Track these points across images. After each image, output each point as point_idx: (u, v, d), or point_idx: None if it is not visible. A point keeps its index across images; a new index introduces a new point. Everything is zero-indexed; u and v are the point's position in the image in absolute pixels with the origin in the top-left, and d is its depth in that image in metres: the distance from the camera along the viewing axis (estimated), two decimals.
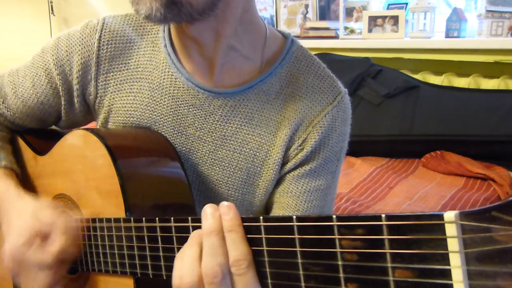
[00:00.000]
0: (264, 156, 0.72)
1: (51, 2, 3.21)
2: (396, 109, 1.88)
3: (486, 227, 0.30)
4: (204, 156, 0.72)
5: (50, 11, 3.23)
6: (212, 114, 0.71)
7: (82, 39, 0.73)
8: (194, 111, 0.71)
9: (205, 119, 0.71)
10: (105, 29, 0.73)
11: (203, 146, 0.72)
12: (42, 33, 3.25)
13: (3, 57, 2.89)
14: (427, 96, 1.86)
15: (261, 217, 0.43)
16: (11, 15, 3.22)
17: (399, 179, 1.65)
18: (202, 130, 0.71)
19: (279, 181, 0.74)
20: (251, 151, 0.71)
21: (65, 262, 0.64)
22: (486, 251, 0.30)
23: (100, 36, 0.72)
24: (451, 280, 0.31)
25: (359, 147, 1.88)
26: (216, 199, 0.73)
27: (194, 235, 0.46)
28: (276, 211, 0.74)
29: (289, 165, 0.72)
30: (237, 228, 0.43)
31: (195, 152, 0.72)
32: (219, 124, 0.71)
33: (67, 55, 0.73)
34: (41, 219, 0.64)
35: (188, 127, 0.71)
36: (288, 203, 0.72)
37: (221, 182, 0.72)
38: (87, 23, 0.74)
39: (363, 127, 1.88)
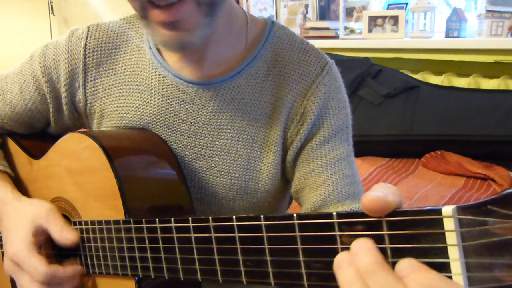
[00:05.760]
0: (262, 140, 0.72)
1: (51, 2, 3.21)
2: (396, 109, 1.88)
3: (482, 220, 0.30)
4: (202, 149, 0.72)
5: (50, 11, 3.23)
6: (205, 107, 0.71)
7: (68, 48, 0.74)
8: (186, 107, 0.71)
9: (198, 112, 0.71)
10: (90, 36, 0.74)
11: (200, 140, 0.71)
12: (42, 33, 3.25)
13: (3, 57, 2.90)
14: (427, 96, 1.86)
15: (262, 216, 0.42)
16: (11, 15, 3.23)
17: (399, 179, 1.65)
18: (197, 124, 0.71)
19: (296, 166, 0.73)
20: (249, 137, 0.71)
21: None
22: (483, 244, 0.30)
23: (85, 44, 0.74)
24: (450, 272, 0.32)
25: (359, 147, 1.86)
26: (218, 191, 0.73)
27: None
28: (307, 196, 0.71)
29: (296, 144, 0.71)
30: None
31: (192, 147, 0.72)
32: (213, 115, 0.71)
33: (54, 63, 0.75)
34: (39, 223, 0.64)
35: (182, 123, 0.71)
36: (316, 182, 0.70)
37: (222, 173, 0.72)
38: (72, 31, 0.75)
39: (363, 127, 1.88)
